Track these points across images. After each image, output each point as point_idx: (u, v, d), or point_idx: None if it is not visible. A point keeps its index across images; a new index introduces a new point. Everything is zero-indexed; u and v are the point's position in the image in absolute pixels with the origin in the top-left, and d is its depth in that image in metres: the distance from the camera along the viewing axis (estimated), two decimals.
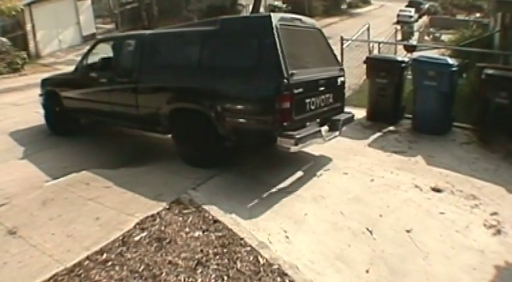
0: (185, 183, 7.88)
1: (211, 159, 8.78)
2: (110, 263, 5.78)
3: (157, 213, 6.89)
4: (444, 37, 34.30)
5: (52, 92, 12.26)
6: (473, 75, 12.25)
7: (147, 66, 9.63)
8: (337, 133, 8.96)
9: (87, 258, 5.87)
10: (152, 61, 9.61)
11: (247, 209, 7.20)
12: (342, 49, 15.00)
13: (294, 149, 7.73)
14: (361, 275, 5.94)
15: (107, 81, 10.45)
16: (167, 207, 7.08)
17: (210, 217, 6.82)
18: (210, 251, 6.03)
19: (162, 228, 6.52)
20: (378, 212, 7.30)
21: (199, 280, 5.51)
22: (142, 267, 5.70)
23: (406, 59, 12.82)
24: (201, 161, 8.73)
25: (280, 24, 8.02)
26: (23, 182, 8.58)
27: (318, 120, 8.68)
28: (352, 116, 9.88)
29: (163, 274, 5.58)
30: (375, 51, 18.24)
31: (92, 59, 11.44)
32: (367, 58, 13.17)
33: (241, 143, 8.72)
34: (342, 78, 9.70)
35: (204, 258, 5.89)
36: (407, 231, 6.94)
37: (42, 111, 12.61)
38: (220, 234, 6.42)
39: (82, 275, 5.55)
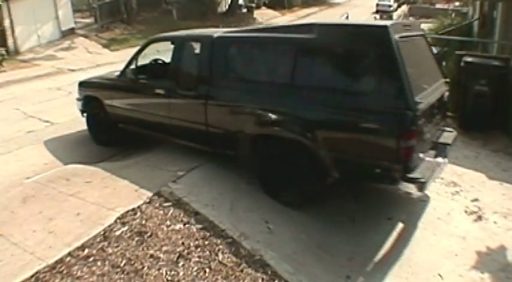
0: (166, 176, 7.83)
1: (306, 196, 7.31)
2: (91, 259, 5.75)
3: (138, 207, 6.86)
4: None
5: (93, 98, 10.70)
6: (453, 63, 12.31)
7: (220, 77, 8.05)
8: (446, 161, 7.15)
9: (69, 254, 5.84)
10: (226, 72, 8.03)
11: (229, 200, 7.20)
12: None
13: (416, 194, 7.21)
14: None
15: (164, 93, 8.84)
16: (148, 200, 7.05)
17: (191, 209, 6.81)
18: (192, 244, 6.05)
19: (143, 222, 6.50)
20: None
21: (181, 273, 5.54)
22: (124, 262, 5.70)
23: None
24: (294, 198, 7.27)
25: (399, 37, 6.48)
26: (3, 179, 8.53)
27: (430, 148, 7.27)
28: (456, 135, 8.21)
29: (145, 268, 5.59)
30: None
31: (143, 62, 10.05)
32: None
33: (345, 180, 7.18)
34: (447, 93, 8.37)
35: (186, 251, 5.91)
36: (389, 219, 7.02)
37: (22, 108, 12.45)
38: (201, 226, 6.42)
39: (64, 272, 5.53)
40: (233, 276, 5.55)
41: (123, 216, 6.65)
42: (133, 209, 6.81)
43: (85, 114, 11.17)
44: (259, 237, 6.33)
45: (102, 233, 6.27)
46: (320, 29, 7.08)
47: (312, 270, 5.94)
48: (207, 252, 5.91)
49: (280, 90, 7.23)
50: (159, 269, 5.58)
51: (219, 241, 6.13)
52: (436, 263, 6.12)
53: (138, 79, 9.64)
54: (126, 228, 6.37)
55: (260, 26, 10.10)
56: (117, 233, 6.27)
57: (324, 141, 6.73)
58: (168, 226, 6.43)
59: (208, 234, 6.27)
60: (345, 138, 6.71)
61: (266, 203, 7.21)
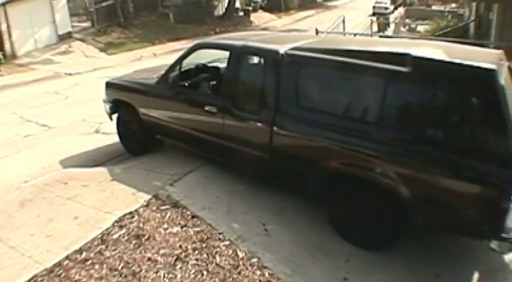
0: (163, 179, 7.85)
1: (385, 242, 6.70)
2: (89, 262, 5.78)
3: (136, 210, 6.89)
4: (420, 28, 34.62)
5: (124, 103, 9.69)
6: None
7: (289, 104, 7.01)
8: None
9: (67, 257, 5.86)
10: (297, 98, 6.96)
11: (226, 202, 7.22)
12: None
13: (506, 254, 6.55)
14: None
15: (217, 111, 7.79)
16: (145, 204, 7.07)
17: (188, 212, 6.84)
18: (189, 247, 6.07)
19: (141, 225, 6.53)
20: None
21: (179, 276, 5.56)
22: (121, 265, 5.73)
23: None
24: (372, 243, 6.65)
25: (503, 79, 5.68)
26: (1, 183, 8.49)
27: None
28: None
29: (143, 271, 5.62)
30: None
31: (188, 69, 9.02)
32: None
33: (429, 228, 6.53)
34: None
35: (183, 254, 5.93)
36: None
37: (19, 112, 12.40)
38: (198, 229, 6.45)
39: (62, 275, 5.56)
40: (231, 279, 5.57)
41: (120, 219, 6.67)
42: (130, 213, 6.84)
43: (113, 118, 10.18)
44: (257, 240, 6.36)
45: (99, 236, 6.29)
46: (414, 62, 6.07)
47: (309, 271, 5.96)
48: (205, 255, 5.93)
49: (364, 125, 6.41)
50: (156, 272, 5.60)
51: (216, 244, 6.16)
52: None
53: (184, 90, 8.50)
54: (123, 231, 6.40)
55: (337, 39, 9.06)
56: (115, 236, 6.29)
57: (412, 188, 6.05)
58: (165, 229, 6.45)
59: (205, 236, 6.29)
60: (438, 187, 5.95)
61: (263, 205, 7.24)
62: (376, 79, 6.32)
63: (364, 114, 6.44)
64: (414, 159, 5.99)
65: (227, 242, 6.20)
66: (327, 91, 6.89)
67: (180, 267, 5.70)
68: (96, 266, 5.71)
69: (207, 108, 7.90)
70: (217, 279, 5.55)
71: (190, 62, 8.94)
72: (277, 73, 7.09)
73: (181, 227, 6.50)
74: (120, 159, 9.35)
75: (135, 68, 16.14)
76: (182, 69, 8.73)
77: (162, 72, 9.05)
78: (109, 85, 10.23)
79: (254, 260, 5.90)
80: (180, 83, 8.52)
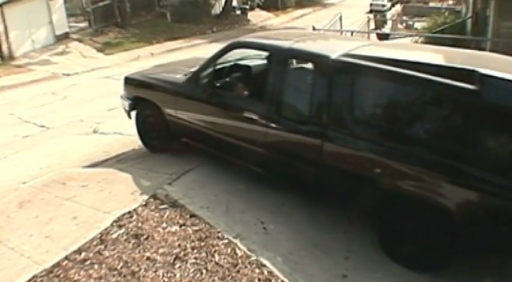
0: (161, 178, 7.85)
1: (443, 263, 6.20)
2: (88, 262, 5.77)
3: (134, 209, 6.88)
4: (417, 25, 34.69)
5: (146, 101, 9.09)
6: None
7: (343, 116, 6.50)
8: None
9: (66, 258, 5.85)
10: (352, 110, 6.44)
11: (224, 201, 7.23)
12: None
13: None
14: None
15: (258, 119, 7.22)
16: (144, 203, 7.06)
17: (187, 211, 6.83)
18: (188, 245, 6.08)
19: (139, 224, 6.52)
20: None
21: (178, 275, 5.57)
22: (120, 265, 5.72)
23: None
24: (430, 265, 6.18)
25: None
26: None
27: None
28: None
29: (142, 270, 5.62)
30: None
31: (222, 68, 8.46)
32: None
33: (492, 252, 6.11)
34: None
35: (182, 253, 5.94)
36: None
37: (17, 113, 12.36)
38: (197, 228, 6.45)
39: (61, 275, 5.55)
40: (230, 277, 5.58)
41: (119, 219, 6.66)
42: (129, 212, 6.82)
43: (132, 116, 9.62)
44: (255, 238, 6.37)
45: (98, 236, 6.28)
46: (488, 81, 5.57)
47: (309, 269, 5.97)
48: (204, 254, 5.94)
49: (425, 146, 5.98)
50: (155, 271, 5.60)
51: (215, 242, 6.16)
52: None
53: (219, 92, 7.95)
54: (122, 231, 6.39)
55: (396, 43, 8.53)
56: (114, 236, 6.29)
57: (470, 209, 5.77)
58: (164, 228, 6.44)
59: (204, 235, 6.29)
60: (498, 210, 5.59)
61: (261, 203, 7.24)
62: (443, 97, 5.95)
63: (426, 131, 6.06)
64: (490, 192, 5.54)
65: (226, 241, 6.20)
66: (386, 105, 6.46)
67: (179, 266, 5.71)
68: (95, 266, 5.70)
69: (246, 114, 7.40)
70: (216, 278, 5.55)
71: (223, 61, 8.42)
72: (329, 81, 6.53)
73: (180, 226, 6.49)
74: (118, 159, 9.35)
75: (132, 68, 16.19)
76: (216, 69, 8.16)
77: (191, 70, 8.54)
78: (129, 81, 9.67)
79: (253, 258, 5.90)
80: (215, 84, 7.95)
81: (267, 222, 6.79)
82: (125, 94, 9.68)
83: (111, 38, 28.55)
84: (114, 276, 5.55)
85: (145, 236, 6.26)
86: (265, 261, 5.87)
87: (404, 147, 6.03)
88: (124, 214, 6.78)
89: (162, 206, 6.98)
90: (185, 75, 8.54)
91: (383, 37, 19.41)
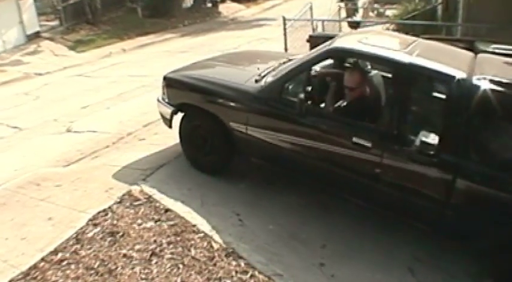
0: (135, 174, 7.84)
1: None
2: (65, 262, 5.77)
3: (109, 207, 6.87)
4: (388, 12, 34.73)
5: (198, 109, 7.62)
6: None
7: (483, 147, 5.72)
8: None
9: (42, 259, 5.84)
10: (494, 141, 5.71)
11: (199, 195, 7.24)
12: (284, 30, 14.83)
13: None
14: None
15: (371, 145, 6.03)
16: (118, 200, 7.05)
17: (162, 207, 6.84)
18: (164, 241, 6.10)
19: (115, 222, 6.52)
20: None
21: (155, 271, 5.60)
22: (97, 263, 5.74)
23: None
24: None
25: None
26: None
27: None
28: None
29: (119, 268, 5.65)
30: (319, 30, 18.33)
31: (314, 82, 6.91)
32: (310, 36, 13.19)
33: None
34: None
35: (158, 249, 5.96)
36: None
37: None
38: (172, 223, 6.47)
39: (38, 277, 5.55)
40: (206, 271, 5.62)
41: (94, 217, 6.65)
42: (104, 210, 6.81)
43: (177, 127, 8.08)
44: (231, 230, 6.41)
45: (74, 236, 6.28)
46: None
47: (285, 259, 6.03)
48: (180, 248, 5.97)
49: None
50: (132, 268, 5.63)
51: (191, 236, 6.19)
52: None
53: (316, 111, 6.71)
54: (98, 229, 6.39)
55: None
56: (90, 234, 6.29)
57: None
58: (139, 225, 6.46)
59: (179, 230, 6.32)
60: None
61: (236, 196, 7.26)
62: None
63: None
64: None
65: (201, 234, 6.22)
66: None
67: (156, 262, 5.74)
68: (72, 266, 5.70)
69: (355, 139, 6.12)
70: (193, 272, 5.59)
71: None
72: (467, 106, 5.57)
73: (155, 222, 6.51)
74: (93, 157, 9.28)
75: (104, 64, 16.07)
76: (308, 81, 6.80)
77: (259, 71, 7.45)
78: (173, 82, 8.13)
79: (229, 250, 5.94)
80: (308, 101, 6.60)
81: (243, 214, 6.82)
82: (165, 98, 8.19)
83: (82, 36, 28.28)
84: (91, 275, 5.56)
85: (121, 233, 6.26)
86: (241, 253, 5.91)
87: None
88: (99, 212, 6.77)
89: (137, 203, 6.98)
90: (256, 81, 7.22)
91: (354, 25, 19.40)
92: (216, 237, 6.19)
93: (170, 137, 8.89)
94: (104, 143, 9.76)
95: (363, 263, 6.12)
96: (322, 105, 6.92)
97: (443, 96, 6.07)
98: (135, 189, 7.35)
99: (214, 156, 7.64)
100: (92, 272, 5.61)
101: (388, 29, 17.79)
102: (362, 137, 6.08)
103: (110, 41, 25.05)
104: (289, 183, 7.42)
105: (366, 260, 6.16)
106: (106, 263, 5.73)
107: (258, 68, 7.71)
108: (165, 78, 8.21)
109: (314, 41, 12.70)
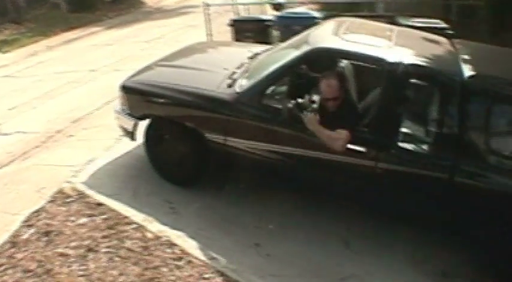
0: (66, 172, 7.80)
1: None
2: (2, 268, 5.76)
3: (42, 207, 6.84)
4: None
5: (168, 122, 7.07)
6: None
7: (478, 147, 5.50)
8: None
9: None
10: (488, 139, 5.45)
11: (131, 187, 7.30)
12: (207, 16, 14.71)
13: None
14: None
15: (366, 150, 5.77)
16: (50, 199, 7.02)
17: (94, 201, 6.85)
18: (98, 235, 6.15)
19: (48, 221, 6.51)
20: None
21: (92, 266, 5.66)
22: (35, 265, 5.74)
23: (271, 17, 13.04)
24: None
25: None
26: None
27: None
28: None
29: (56, 267, 5.67)
30: (244, 14, 18.29)
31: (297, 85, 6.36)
32: (232, 21, 13.25)
33: None
34: None
35: (94, 244, 6.01)
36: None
37: None
38: (105, 216, 6.51)
39: None
40: (142, 261, 5.72)
41: (28, 219, 6.62)
42: (37, 210, 6.78)
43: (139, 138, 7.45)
44: (164, 219, 6.50)
45: (9, 239, 6.26)
46: None
47: (220, 243, 6.15)
48: (115, 241, 6.03)
49: None
50: (69, 266, 5.67)
51: (124, 228, 6.26)
52: None
53: (299, 118, 5.89)
54: (32, 230, 6.39)
55: None
56: (25, 236, 6.28)
57: None
58: (73, 222, 6.46)
59: (113, 223, 6.37)
60: None
61: (168, 185, 7.30)
62: None
63: None
64: None
65: (135, 225, 6.30)
66: None
67: (92, 258, 5.79)
68: (10, 271, 5.70)
69: (349, 145, 5.79)
70: (129, 263, 5.68)
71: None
72: (462, 108, 5.48)
73: (89, 217, 6.53)
74: (23, 158, 9.17)
75: (30, 63, 15.81)
76: (291, 84, 6.36)
77: (240, 79, 6.79)
78: (132, 91, 7.32)
79: (163, 239, 6.05)
80: (293, 106, 5.96)
81: (175, 202, 6.92)
82: (125, 109, 7.44)
83: (7, 35, 27.52)
84: (29, 277, 5.57)
85: (55, 232, 6.27)
86: (175, 240, 6.03)
87: None
88: (32, 213, 6.74)
89: (69, 200, 6.97)
90: (230, 86, 6.73)
91: (277, 7, 19.52)
92: (150, 226, 6.27)
93: (99, 132, 8.97)
94: (33, 143, 9.62)
95: (298, 241, 6.32)
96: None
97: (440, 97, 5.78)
98: (67, 186, 7.32)
99: (187, 169, 7.18)
100: (30, 274, 5.61)
101: (311, 9, 17.78)
102: (362, 143, 5.79)
103: (35, 39, 24.47)
104: (219, 168, 7.46)
105: (301, 238, 6.37)
106: (43, 264, 5.73)
107: (226, 68, 7.26)
108: (123, 87, 7.39)
109: (238, 25, 12.80)
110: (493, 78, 5.78)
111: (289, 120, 6.02)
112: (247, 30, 12.49)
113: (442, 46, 6.89)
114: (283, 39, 10.45)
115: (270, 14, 14.57)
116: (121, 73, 10.35)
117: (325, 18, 11.47)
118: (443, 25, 10.84)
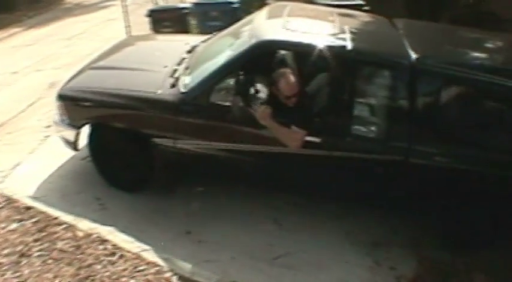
0: None
1: None
2: None
3: None
4: None
5: (112, 129, 6.73)
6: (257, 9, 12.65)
7: (430, 132, 5.73)
8: None
9: None
10: (440, 125, 5.74)
11: (60, 187, 7.28)
12: (125, 8, 14.61)
13: None
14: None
15: (321, 141, 5.87)
16: None
17: (22, 206, 6.77)
18: (30, 239, 6.11)
19: None
20: None
21: (26, 271, 5.63)
22: None
23: (188, 5, 13.16)
24: None
25: None
26: None
27: None
28: None
29: None
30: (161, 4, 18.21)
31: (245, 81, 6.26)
32: (150, 11, 13.25)
33: None
34: None
35: (26, 249, 5.97)
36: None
37: None
38: (35, 219, 6.46)
39: None
40: (76, 261, 5.73)
41: None
42: None
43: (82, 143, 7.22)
44: (94, 216, 6.52)
45: None
46: None
47: (151, 234, 6.25)
48: (46, 244, 6.01)
49: None
50: (3, 275, 5.62)
51: (55, 229, 6.23)
52: None
53: (248, 112, 5.93)
54: None
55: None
56: None
57: None
58: (3, 228, 6.39)
59: (43, 225, 6.33)
60: None
61: (96, 181, 7.27)
62: None
63: None
64: None
65: (65, 225, 6.30)
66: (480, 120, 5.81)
67: (26, 263, 5.75)
68: None
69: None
70: (63, 265, 5.69)
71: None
72: (412, 85, 5.63)
73: (19, 222, 6.47)
74: None
75: None
76: (240, 80, 6.28)
77: (183, 78, 6.54)
78: (71, 100, 6.92)
79: (94, 236, 6.08)
80: (244, 101, 6.03)
81: (103, 198, 6.97)
82: (64, 119, 7.02)
83: None
84: None
85: None
86: (107, 236, 6.08)
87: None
88: None
89: None
90: (173, 85, 6.50)
91: None
92: (80, 225, 6.28)
93: (23, 135, 8.86)
94: None
95: (230, 224, 6.54)
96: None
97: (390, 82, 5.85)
98: None
99: (134, 175, 7.02)
100: None
101: None
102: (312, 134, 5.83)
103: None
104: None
105: (232, 222, 6.59)
106: None
107: (166, 66, 7.01)
108: (59, 96, 6.97)
109: (156, 15, 12.75)
110: (440, 59, 5.94)
111: (240, 117, 6.02)
112: (165, 19, 12.52)
113: (385, 27, 7.14)
114: (199, 24, 10.51)
115: (188, 2, 14.49)
116: (43, 73, 10.27)
117: (241, 2, 11.58)
118: (360, 1, 11.06)
